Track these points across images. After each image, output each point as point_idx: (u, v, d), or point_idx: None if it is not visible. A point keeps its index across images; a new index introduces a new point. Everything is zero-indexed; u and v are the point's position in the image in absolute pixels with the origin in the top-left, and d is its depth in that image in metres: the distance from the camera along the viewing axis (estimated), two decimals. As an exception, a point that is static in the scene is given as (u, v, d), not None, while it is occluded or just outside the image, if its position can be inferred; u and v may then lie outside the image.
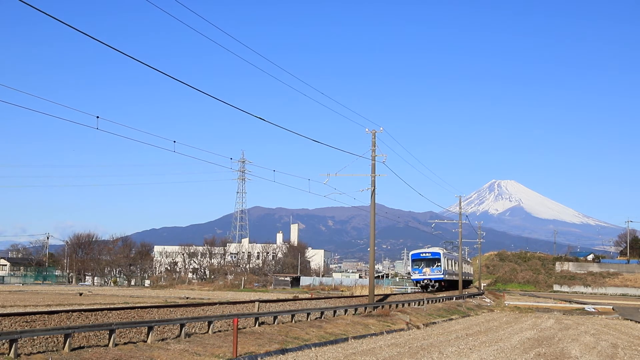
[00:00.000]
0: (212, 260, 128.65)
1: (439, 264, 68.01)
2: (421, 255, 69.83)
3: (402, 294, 63.76)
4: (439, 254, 68.77)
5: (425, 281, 68.25)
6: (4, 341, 16.52)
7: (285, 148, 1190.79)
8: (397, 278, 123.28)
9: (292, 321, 29.00)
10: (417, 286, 71.28)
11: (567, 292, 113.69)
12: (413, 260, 71.28)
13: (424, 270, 68.11)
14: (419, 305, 46.07)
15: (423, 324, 37.22)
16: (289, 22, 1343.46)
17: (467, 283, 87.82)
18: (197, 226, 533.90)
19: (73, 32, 19.14)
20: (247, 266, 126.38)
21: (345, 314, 34.90)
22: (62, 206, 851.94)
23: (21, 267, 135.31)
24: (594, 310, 60.63)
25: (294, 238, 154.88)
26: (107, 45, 18.43)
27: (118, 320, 21.89)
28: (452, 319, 43.43)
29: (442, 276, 68.15)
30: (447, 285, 71.69)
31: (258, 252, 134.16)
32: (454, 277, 74.56)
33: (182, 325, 22.25)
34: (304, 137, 35.03)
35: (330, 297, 50.09)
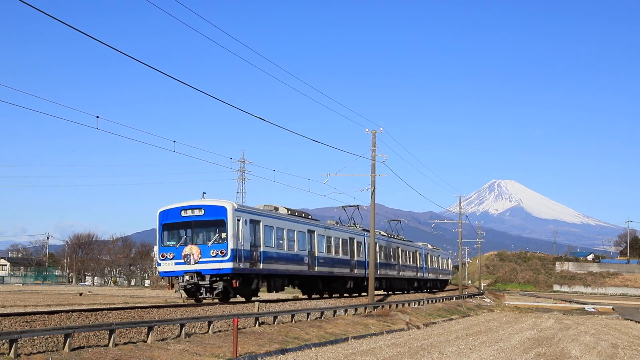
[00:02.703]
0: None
1: (223, 235, 30.61)
2: (182, 214, 31.50)
3: (402, 293, 63.57)
4: (223, 210, 30.91)
5: (189, 276, 30.59)
6: (4, 341, 16.51)
7: (285, 148, 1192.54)
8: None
9: (292, 321, 28.99)
10: (175, 289, 32.24)
11: (567, 292, 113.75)
12: (164, 227, 31.96)
13: (188, 250, 30.72)
14: (419, 305, 46.09)
15: (423, 324, 37.24)
16: (289, 23, 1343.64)
17: (443, 283, 75.98)
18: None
19: (73, 32, 19.16)
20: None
21: (345, 314, 34.89)
22: (62, 206, 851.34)
23: (21, 267, 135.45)
24: (594, 310, 60.67)
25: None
26: (107, 45, 18.45)
27: (118, 320, 21.85)
28: (452, 319, 43.47)
29: (229, 264, 30.36)
30: (245, 284, 32.44)
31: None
32: (282, 268, 35.53)
33: (182, 325, 22.24)
34: (304, 137, 35.02)
35: (331, 297, 50.00)
